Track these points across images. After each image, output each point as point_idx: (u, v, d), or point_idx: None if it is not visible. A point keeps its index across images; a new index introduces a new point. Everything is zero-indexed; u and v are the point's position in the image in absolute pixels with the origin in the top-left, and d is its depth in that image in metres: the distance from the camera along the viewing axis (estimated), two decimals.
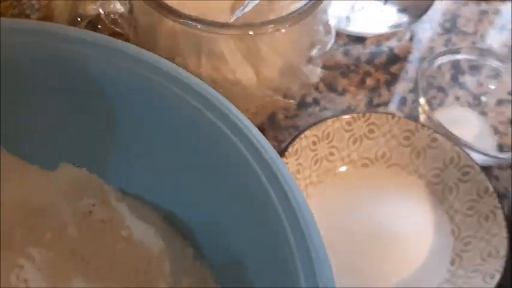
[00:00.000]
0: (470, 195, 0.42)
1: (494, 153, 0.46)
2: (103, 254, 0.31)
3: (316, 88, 0.54)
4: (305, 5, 0.36)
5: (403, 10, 0.54)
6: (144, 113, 0.31)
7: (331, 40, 0.44)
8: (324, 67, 0.54)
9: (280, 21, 0.35)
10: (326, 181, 0.44)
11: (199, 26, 0.34)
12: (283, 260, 0.24)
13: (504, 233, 0.38)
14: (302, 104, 0.52)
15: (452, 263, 0.40)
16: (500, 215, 0.39)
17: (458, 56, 0.54)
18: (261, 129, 0.49)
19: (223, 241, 0.30)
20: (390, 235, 0.41)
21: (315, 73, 0.39)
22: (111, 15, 0.36)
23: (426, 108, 0.47)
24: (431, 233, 0.42)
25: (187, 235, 0.32)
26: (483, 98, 0.54)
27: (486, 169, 0.48)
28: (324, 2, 0.37)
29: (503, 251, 0.38)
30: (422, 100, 0.47)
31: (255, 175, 0.26)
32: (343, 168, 0.45)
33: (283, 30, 0.35)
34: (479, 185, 0.41)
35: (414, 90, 0.54)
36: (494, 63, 0.53)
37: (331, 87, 0.54)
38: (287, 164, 0.41)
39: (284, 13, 0.35)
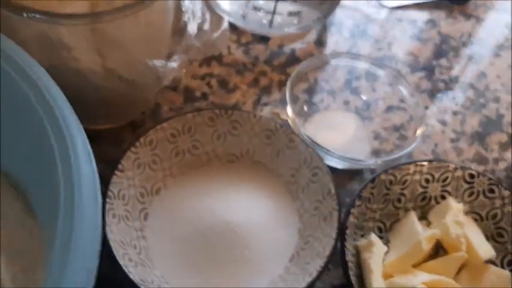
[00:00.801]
0: (317, 196, 0.43)
1: (350, 157, 0.47)
2: None
3: (208, 83, 0.55)
4: None
5: (296, 13, 0.55)
6: None
7: (215, 35, 0.46)
8: (221, 64, 0.56)
9: (122, 9, 0.36)
10: (189, 174, 0.46)
11: (38, 17, 0.35)
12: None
13: (334, 234, 0.40)
14: (190, 98, 0.54)
15: (291, 259, 0.42)
16: (335, 217, 0.41)
17: (356, 62, 0.56)
18: (142, 120, 0.51)
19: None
20: (238, 231, 0.42)
21: (169, 69, 0.40)
22: None
23: (290, 112, 0.48)
24: (280, 231, 0.43)
25: None
26: (373, 104, 0.55)
27: (356, 172, 0.49)
28: None
29: (327, 251, 0.39)
30: (289, 108, 0.48)
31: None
32: (207, 163, 0.46)
33: (127, 18, 0.35)
34: (324, 187, 0.43)
35: (308, 90, 0.55)
36: (390, 72, 0.54)
37: (223, 84, 0.55)
38: (138, 154, 0.43)
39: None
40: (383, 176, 0.44)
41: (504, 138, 0.56)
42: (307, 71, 0.54)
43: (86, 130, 0.48)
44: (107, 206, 0.39)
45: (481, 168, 0.53)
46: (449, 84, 0.60)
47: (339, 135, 0.51)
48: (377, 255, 0.41)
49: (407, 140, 0.50)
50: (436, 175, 0.46)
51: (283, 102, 0.54)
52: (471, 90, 0.59)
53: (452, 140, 0.55)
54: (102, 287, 0.40)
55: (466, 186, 0.46)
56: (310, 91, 0.55)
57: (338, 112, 0.54)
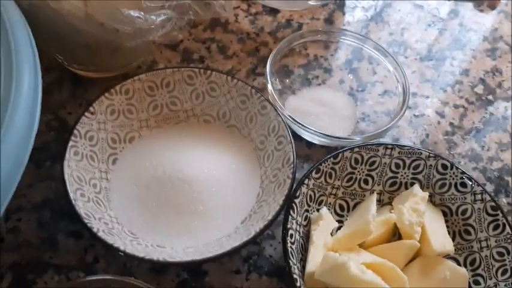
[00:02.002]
0: (278, 164, 0.43)
1: (323, 132, 0.46)
2: None
3: (208, 47, 0.56)
4: None
5: None
6: None
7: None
8: (225, 31, 0.57)
9: None
10: (165, 128, 0.48)
11: None
12: None
13: (281, 201, 0.40)
14: (187, 59, 0.55)
15: (243, 221, 0.42)
16: (287, 185, 0.41)
17: (362, 44, 0.55)
18: (136, 74, 0.53)
19: None
20: (194, 186, 0.43)
21: (149, 21, 0.42)
22: None
23: (269, 83, 0.48)
24: (239, 193, 0.44)
25: None
26: (369, 86, 0.54)
27: (335, 150, 0.49)
28: None
29: (271, 215, 0.39)
30: (267, 79, 0.48)
31: None
32: (184, 120, 0.48)
33: None
34: (286, 155, 0.43)
35: (305, 65, 0.55)
36: (393, 58, 0.53)
37: (222, 50, 0.56)
38: (113, 101, 0.45)
39: None
40: (348, 153, 0.44)
41: (506, 138, 0.53)
42: (306, 45, 0.54)
43: (78, 76, 0.51)
44: (70, 143, 0.41)
45: (471, 166, 0.51)
46: (458, 76, 0.57)
47: (323, 111, 0.51)
48: (323, 229, 0.41)
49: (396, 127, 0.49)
50: (408, 161, 0.45)
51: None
52: (481, 86, 0.57)
53: (446, 133, 0.53)
54: (60, 219, 0.43)
55: (438, 176, 0.44)
56: (307, 66, 0.55)
57: (329, 89, 0.53)
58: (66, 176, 0.39)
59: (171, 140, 0.47)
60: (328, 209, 0.43)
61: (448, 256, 0.42)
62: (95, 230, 0.37)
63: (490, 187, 0.50)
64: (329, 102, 0.51)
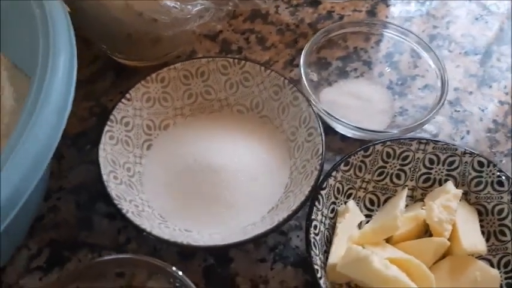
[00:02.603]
0: (307, 155, 0.43)
1: (356, 125, 0.46)
2: None
3: (247, 38, 0.57)
4: None
5: None
6: None
7: None
8: (265, 22, 0.57)
9: None
10: (199, 117, 0.48)
11: None
12: None
13: (307, 192, 0.40)
14: (225, 49, 0.56)
15: (270, 211, 0.43)
16: (314, 176, 0.41)
17: (404, 37, 0.53)
18: (176, 63, 0.55)
19: None
20: (222, 174, 0.43)
21: (186, 11, 0.43)
22: None
23: (303, 74, 0.48)
24: (268, 183, 0.44)
25: None
26: (409, 80, 0.53)
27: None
28: None
29: (295, 206, 0.39)
30: (302, 68, 0.48)
31: None
32: (218, 109, 0.49)
33: None
34: (315, 147, 0.43)
35: (343, 57, 0.54)
36: (434, 52, 0.51)
37: (261, 41, 0.57)
38: (149, 88, 0.46)
39: None
40: (379, 147, 0.43)
41: None
42: (346, 36, 0.53)
43: (121, 65, 0.53)
44: (106, 128, 0.43)
45: None
46: (505, 72, 0.55)
47: (360, 104, 0.50)
48: (349, 222, 0.40)
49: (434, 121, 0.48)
50: (442, 157, 0.43)
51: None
52: None
53: (489, 130, 0.51)
54: (97, 201, 0.44)
55: (474, 174, 0.43)
56: (346, 58, 0.54)
57: (367, 82, 0.53)
58: (101, 159, 0.41)
59: (205, 129, 0.47)
60: (358, 203, 0.43)
61: (480, 257, 0.41)
62: (124, 211, 0.39)
63: None
64: (366, 96, 0.51)
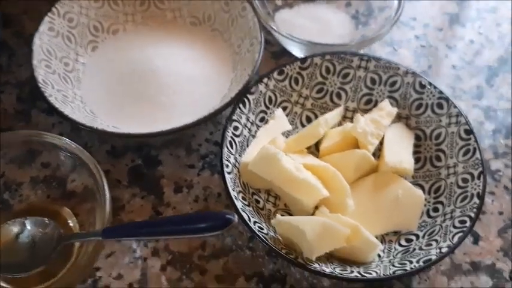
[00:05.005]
0: (246, 65, 0.42)
1: (302, 38, 0.44)
2: None
3: None
4: None
5: None
6: None
7: None
8: None
9: None
10: (150, 26, 0.48)
11: None
12: None
13: (233, 94, 0.39)
14: None
15: None
16: (244, 81, 0.40)
17: None
18: None
19: None
20: (164, 78, 0.43)
21: None
22: None
23: None
24: (207, 94, 0.43)
25: None
26: (377, 11, 0.51)
27: None
28: None
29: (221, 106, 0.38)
30: None
31: None
32: (171, 20, 0.48)
33: None
34: (253, 56, 0.41)
35: None
36: None
37: None
38: None
39: None
40: (318, 59, 0.41)
41: None
42: None
43: None
44: (46, 18, 0.43)
45: (473, 103, 0.46)
46: (483, 13, 0.52)
47: (316, 27, 0.48)
48: (272, 128, 0.39)
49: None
50: (384, 77, 0.41)
51: None
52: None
53: (453, 67, 0.48)
54: (38, 98, 0.45)
55: (415, 96, 0.41)
56: None
57: (330, 8, 0.51)
58: (34, 47, 0.41)
59: (155, 39, 0.47)
60: (293, 119, 0.42)
61: (415, 182, 0.39)
62: (46, 94, 0.39)
63: (489, 126, 0.45)
64: (325, 20, 0.49)
